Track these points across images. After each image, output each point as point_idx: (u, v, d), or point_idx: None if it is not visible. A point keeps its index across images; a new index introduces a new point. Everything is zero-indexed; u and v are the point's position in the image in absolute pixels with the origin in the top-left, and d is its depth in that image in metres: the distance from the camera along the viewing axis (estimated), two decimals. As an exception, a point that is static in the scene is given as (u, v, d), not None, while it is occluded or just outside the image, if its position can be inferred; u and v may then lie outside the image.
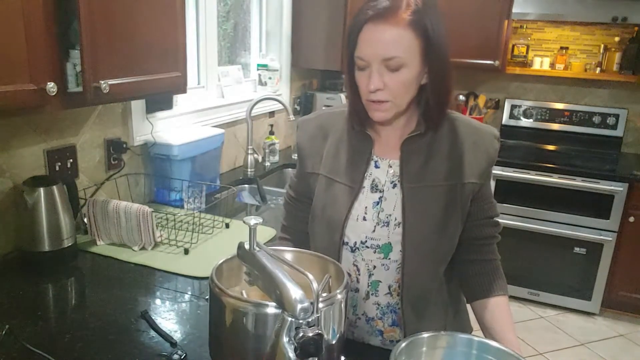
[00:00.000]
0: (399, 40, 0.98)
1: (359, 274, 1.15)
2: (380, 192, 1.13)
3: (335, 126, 1.19)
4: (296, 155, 2.91)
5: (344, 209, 1.12)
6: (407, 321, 1.13)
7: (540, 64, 3.55)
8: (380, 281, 1.14)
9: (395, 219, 1.11)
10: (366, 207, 1.13)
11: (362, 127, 1.14)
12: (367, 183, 1.13)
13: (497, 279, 1.19)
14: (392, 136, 1.13)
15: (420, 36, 0.99)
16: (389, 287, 1.15)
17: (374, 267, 1.14)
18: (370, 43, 1.00)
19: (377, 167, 1.14)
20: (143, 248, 1.60)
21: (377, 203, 1.12)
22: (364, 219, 1.13)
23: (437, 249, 1.11)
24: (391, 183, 1.12)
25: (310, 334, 0.77)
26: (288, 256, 1.03)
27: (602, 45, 3.46)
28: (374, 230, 1.12)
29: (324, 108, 3.15)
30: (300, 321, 0.78)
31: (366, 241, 1.13)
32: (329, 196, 1.15)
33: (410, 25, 0.98)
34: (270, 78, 2.87)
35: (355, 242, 1.14)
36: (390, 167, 1.13)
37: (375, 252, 1.13)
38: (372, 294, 1.16)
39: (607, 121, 3.47)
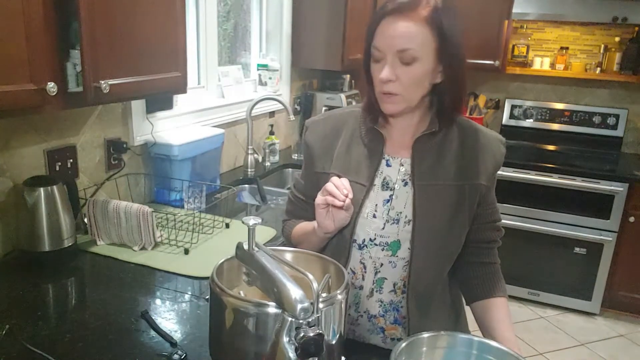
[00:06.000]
0: (413, 34, 1.01)
1: (365, 272, 1.16)
2: (390, 190, 1.14)
3: (346, 126, 1.20)
4: (296, 155, 2.92)
5: (355, 207, 1.13)
6: (412, 318, 1.14)
7: (541, 64, 3.55)
8: (386, 278, 1.15)
9: (406, 217, 1.12)
10: (376, 205, 1.14)
11: (374, 123, 1.15)
12: (378, 181, 1.15)
13: (497, 282, 1.21)
14: (404, 134, 1.15)
15: (436, 34, 1.02)
16: (394, 285, 1.15)
17: (381, 264, 1.14)
18: (386, 35, 1.03)
19: (388, 165, 1.15)
20: (143, 248, 1.60)
21: (388, 201, 1.13)
22: (374, 216, 1.13)
23: (445, 247, 1.13)
24: (402, 181, 1.14)
25: (311, 334, 0.77)
26: (288, 256, 1.03)
27: (603, 46, 3.46)
28: (383, 228, 1.13)
29: (324, 108, 3.16)
30: (301, 321, 0.77)
31: (375, 238, 1.14)
32: None
33: (426, 21, 1.01)
34: (270, 78, 2.86)
35: (364, 240, 1.14)
36: (402, 165, 1.14)
37: (383, 249, 1.13)
38: (376, 291, 1.16)
39: (608, 121, 3.47)
